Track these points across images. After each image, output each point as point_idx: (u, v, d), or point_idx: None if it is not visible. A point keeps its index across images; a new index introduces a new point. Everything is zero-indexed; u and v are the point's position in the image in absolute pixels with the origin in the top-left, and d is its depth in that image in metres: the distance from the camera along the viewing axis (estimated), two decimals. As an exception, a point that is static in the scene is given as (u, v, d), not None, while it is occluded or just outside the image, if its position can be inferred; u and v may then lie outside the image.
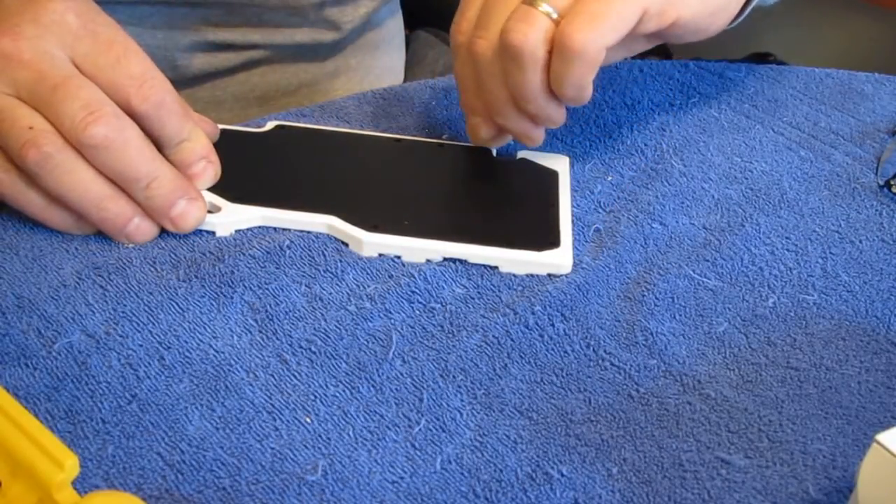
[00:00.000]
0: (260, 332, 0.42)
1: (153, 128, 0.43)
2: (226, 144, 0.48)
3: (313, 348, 0.41)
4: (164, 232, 0.46)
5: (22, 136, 0.41)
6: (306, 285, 0.44)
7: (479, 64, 0.46)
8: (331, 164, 0.50)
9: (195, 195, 0.45)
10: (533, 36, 0.43)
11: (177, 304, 0.42)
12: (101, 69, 0.42)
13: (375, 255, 0.46)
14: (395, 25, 0.75)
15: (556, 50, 0.44)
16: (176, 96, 0.44)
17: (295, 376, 0.40)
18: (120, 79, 0.42)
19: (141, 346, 0.40)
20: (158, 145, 0.44)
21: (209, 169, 0.46)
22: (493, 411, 0.39)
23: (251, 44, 0.64)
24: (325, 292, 0.44)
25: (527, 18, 0.44)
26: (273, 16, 0.63)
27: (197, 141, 0.45)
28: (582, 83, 0.44)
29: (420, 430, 0.38)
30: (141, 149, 0.43)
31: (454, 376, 0.40)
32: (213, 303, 0.43)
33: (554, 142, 0.55)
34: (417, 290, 0.44)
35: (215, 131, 0.48)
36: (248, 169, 0.48)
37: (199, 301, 0.43)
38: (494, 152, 0.52)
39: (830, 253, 0.49)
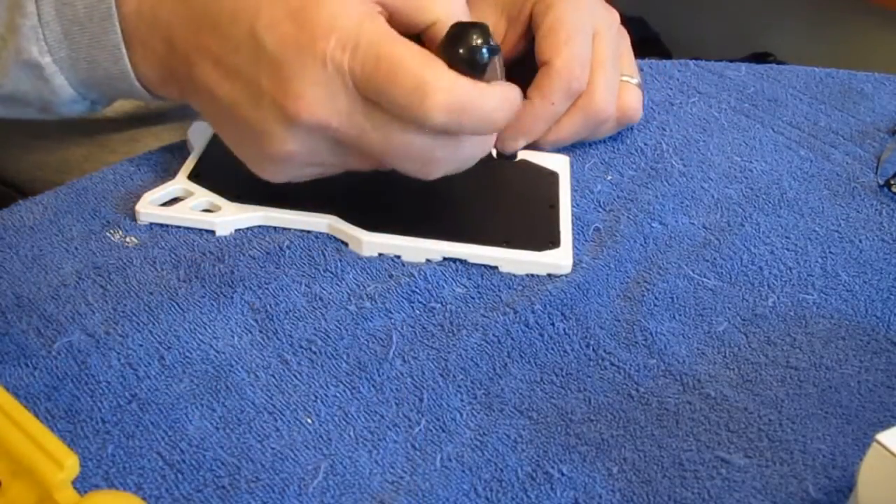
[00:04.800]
0: (260, 331, 0.42)
1: (456, 133, 0.42)
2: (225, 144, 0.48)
3: (313, 348, 0.41)
4: (163, 232, 0.46)
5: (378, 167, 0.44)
6: (306, 285, 0.44)
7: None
8: None
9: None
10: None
11: (177, 304, 0.42)
12: (381, 97, 0.40)
13: (375, 254, 0.46)
14: None
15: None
16: (462, 88, 0.40)
17: (295, 376, 0.40)
18: (401, 102, 0.40)
19: (141, 345, 0.40)
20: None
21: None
22: (494, 411, 0.39)
23: None
24: (325, 292, 0.44)
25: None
26: None
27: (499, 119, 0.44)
28: None
29: (420, 429, 0.38)
30: (468, 156, 0.44)
31: (454, 376, 0.40)
32: (214, 303, 0.43)
33: (554, 141, 0.55)
34: (417, 290, 0.44)
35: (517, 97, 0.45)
36: (249, 169, 0.48)
37: (199, 301, 0.43)
38: (494, 153, 0.52)
39: (830, 252, 0.50)
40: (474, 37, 0.40)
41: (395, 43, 0.39)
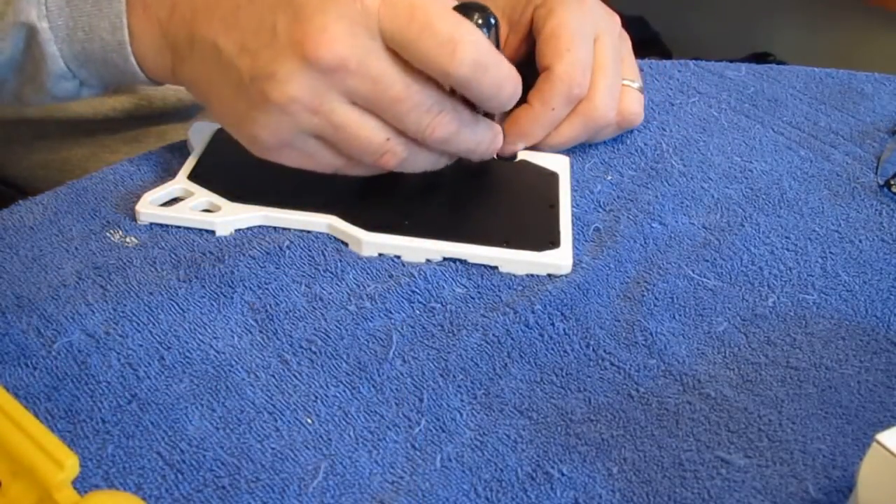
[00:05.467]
0: (260, 332, 0.42)
1: (472, 90, 0.43)
2: (225, 143, 0.48)
3: (314, 348, 0.41)
4: (163, 232, 0.46)
5: (381, 147, 0.44)
6: (306, 285, 0.44)
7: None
8: None
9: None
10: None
11: (177, 304, 0.42)
12: (410, 46, 0.41)
13: (375, 254, 0.46)
14: None
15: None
16: (488, 48, 0.42)
17: (295, 376, 0.40)
18: (431, 52, 0.41)
19: (141, 345, 0.40)
20: (479, 101, 0.45)
21: None
22: (494, 411, 0.39)
23: None
24: (325, 292, 0.44)
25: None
26: None
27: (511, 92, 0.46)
28: None
29: (420, 429, 0.38)
30: (473, 128, 0.46)
31: (454, 376, 0.40)
32: (214, 303, 0.43)
33: (554, 142, 0.55)
34: (417, 290, 0.44)
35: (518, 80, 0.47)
36: (248, 169, 0.48)
37: (199, 301, 0.43)
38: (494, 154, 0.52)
39: (830, 252, 0.50)
40: (476, 15, 0.44)
41: None
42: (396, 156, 0.44)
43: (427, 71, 0.41)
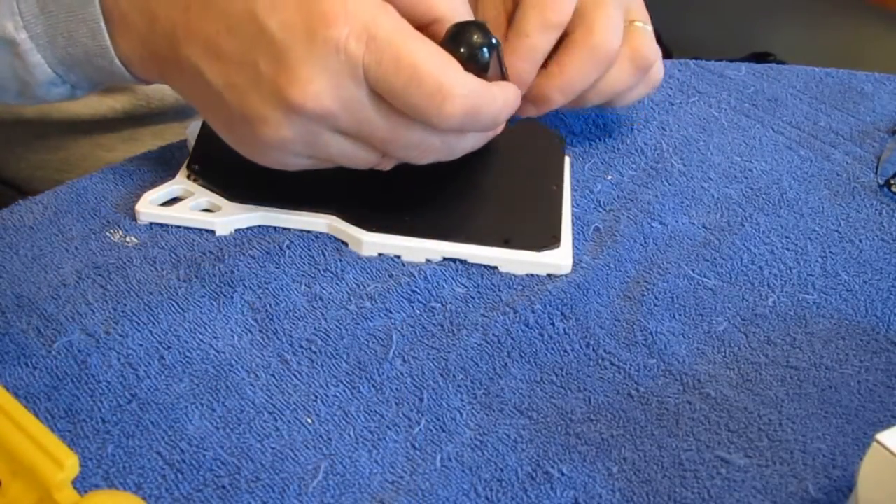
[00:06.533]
0: (260, 331, 0.42)
1: (466, 132, 0.44)
2: (225, 143, 0.48)
3: (314, 348, 0.41)
4: (163, 231, 0.46)
5: (376, 161, 0.44)
6: (306, 285, 0.44)
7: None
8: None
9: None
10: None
11: (177, 303, 0.42)
12: (397, 96, 0.40)
13: (375, 254, 0.46)
14: None
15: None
16: (478, 92, 0.41)
17: (295, 376, 0.40)
18: (420, 105, 0.40)
19: (141, 345, 0.40)
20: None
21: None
22: (494, 411, 0.39)
23: None
24: (325, 292, 0.44)
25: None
26: None
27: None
28: None
29: (420, 429, 0.38)
30: (463, 142, 0.45)
31: (454, 376, 0.40)
32: (214, 302, 0.43)
33: (554, 141, 0.55)
34: (417, 290, 0.44)
35: (517, 97, 0.45)
36: (248, 168, 0.48)
37: (199, 301, 0.43)
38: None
39: (830, 252, 0.50)
40: (475, 36, 0.41)
41: (413, 41, 0.39)
42: (394, 162, 0.45)
43: (417, 117, 0.40)
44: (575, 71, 0.49)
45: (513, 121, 0.51)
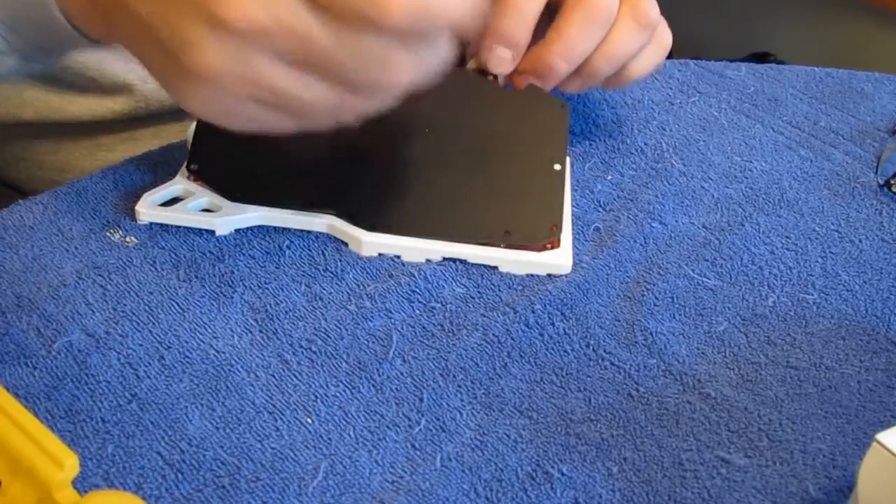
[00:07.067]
0: (260, 331, 0.42)
1: (422, 37, 0.37)
2: (224, 143, 0.48)
3: (314, 348, 0.41)
4: (163, 232, 0.46)
5: (335, 109, 0.38)
6: (306, 285, 0.44)
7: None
8: (330, 163, 0.50)
9: None
10: None
11: (177, 303, 0.42)
12: (332, 3, 0.35)
13: (375, 254, 0.46)
14: None
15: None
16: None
17: (295, 376, 0.40)
18: (356, 7, 0.34)
19: (141, 345, 0.40)
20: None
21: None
22: (493, 410, 0.39)
23: None
24: (325, 292, 0.44)
25: None
26: None
27: None
28: None
29: (420, 429, 0.38)
30: (440, 54, 0.37)
31: (454, 375, 0.40)
32: (213, 302, 0.43)
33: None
34: (417, 290, 0.44)
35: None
36: (249, 168, 0.48)
37: (199, 301, 0.43)
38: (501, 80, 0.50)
39: (830, 252, 0.50)
40: None
41: None
42: (359, 112, 0.38)
43: (360, 29, 0.35)
44: (574, 32, 0.47)
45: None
